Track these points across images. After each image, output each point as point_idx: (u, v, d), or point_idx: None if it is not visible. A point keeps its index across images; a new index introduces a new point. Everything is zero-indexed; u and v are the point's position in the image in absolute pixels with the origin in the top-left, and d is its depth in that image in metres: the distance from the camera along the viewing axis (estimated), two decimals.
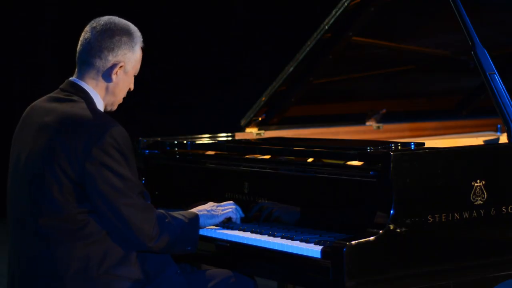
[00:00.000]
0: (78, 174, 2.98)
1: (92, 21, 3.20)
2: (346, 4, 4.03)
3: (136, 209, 3.03)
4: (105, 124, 3.02)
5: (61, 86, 3.20)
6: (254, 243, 3.27)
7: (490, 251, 3.26)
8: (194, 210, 3.34)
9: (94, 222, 3.01)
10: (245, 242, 3.30)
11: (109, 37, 3.14)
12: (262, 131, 4.57)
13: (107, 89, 3.18)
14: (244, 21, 9.54)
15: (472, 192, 3.21)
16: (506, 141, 3.46)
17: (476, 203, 3.21)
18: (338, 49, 4.29)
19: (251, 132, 4.55)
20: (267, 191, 3.54)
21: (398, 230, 3.04)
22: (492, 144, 3.97)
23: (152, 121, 9.18)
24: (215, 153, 3.94)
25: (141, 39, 3.23)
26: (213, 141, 4.29)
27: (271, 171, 3.54)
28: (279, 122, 4.65)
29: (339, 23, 4.12)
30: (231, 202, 3.47)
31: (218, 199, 3.68)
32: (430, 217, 3.11)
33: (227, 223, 3.46)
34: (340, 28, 4.18)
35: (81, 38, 3.19)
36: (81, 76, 3.17)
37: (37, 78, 9.69)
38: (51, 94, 3.20)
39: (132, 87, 3.26)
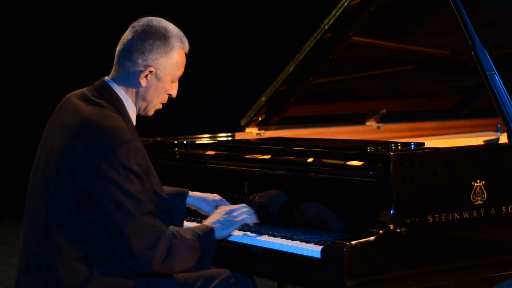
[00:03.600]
0: (87, 184, 2.91)
1: (135, 21, 3.13)
2: (346, 4, 4.02)
3: (139, 229, 2.91)
4: (120, 138, 2.92)
5: (95, 84, 3.13)
6: (254, 243, 3.27)
7: (490, 251, 3.26)
8: (207, 222, 3.22)
9: (102, 237, 2.95)
10: (245, 242, 3.30)
11: (141, 40, 3.06)
12: (262, 131, 4.57)
13: (137, 93, 3.11)
14: (244, 20, 9.54)
15: (472, 192, 3.21)
16: (506, 141, 3.46)
17: (476, 203, 3.21)
18: (338, 49, 4.29)
19: (251, 132, 4.55)
20: (267, 191, 3.54)
21: (398, 230, 3.04)
22: (492, 144, 3.97)
23: (153, 121, 9.17)
24: (215, 153, 3.94)
25: (182, 44, 3.13)
26: (213, 141, 4.29)
27: (271, 171, 3.54)
28: (279, 122, 4.64)
29: (339, 23, 4.12)
30: (243, 205, 3.34)
31: None
32: (430, 217, 3.11)
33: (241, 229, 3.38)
34: (340, 28, 4.18)
35: (122, 38, 3.13)
36: (114, 77, 3.10)
37: (40, 79, 9.70)
38: (84, 90, 3.12)
39: (173, 94, 3.17)
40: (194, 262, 3.07)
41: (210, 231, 3.13)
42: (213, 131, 4.59)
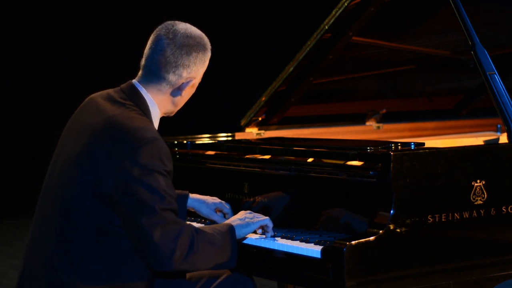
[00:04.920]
0: (109, 185, 2.90)
1: (165, 28, 3.09)
2: (346, 4, 4.03)
3: (160, 224, 2.87)
4: (144, 137, 2.92)
5: (122, 86, 3.12)
6: (254, 243, 3.26)
7: (490, 251, 3.26)
8: (226, 222, 3.20)
9: (119, 237, 2.93)
10: (245, 242, 3.29)
11: (186, 54, 3.06)
12: (262, 131, 4.57)
13: (172, 101, 3.14)
14: (244, 20, 9.54)
15: (472, 192, 3.21)
16: (506, 141, 3.46)
17: (476, 203, 3.21)
18: (338, 49, 4.29)
19: (251, 132, 4.55)
20: (267, 191, 3.54)
21: (398, 230, 3.04)
22: (492, 144, 3.97)
23: None
24: (215, 153, 3.94)
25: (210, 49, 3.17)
26: (213, 141, 4.29)
27: (271, 171, 3.54)
28: (279, 122, 4.65)
29: (339, 23, 4.12)
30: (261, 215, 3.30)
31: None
32: (430, 217, 3.11)
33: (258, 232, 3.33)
34: (340, 28, 4.18)
35: (151, 45, 3.08)
36: (145, 83, 3.09)
37: (40, 79, 9.70)
38: (110, 91, 3.12)
39: None
40: (217, 258, 3.03)
41: (231, 227, 3.12)
42: (213, 131, 4.59)
